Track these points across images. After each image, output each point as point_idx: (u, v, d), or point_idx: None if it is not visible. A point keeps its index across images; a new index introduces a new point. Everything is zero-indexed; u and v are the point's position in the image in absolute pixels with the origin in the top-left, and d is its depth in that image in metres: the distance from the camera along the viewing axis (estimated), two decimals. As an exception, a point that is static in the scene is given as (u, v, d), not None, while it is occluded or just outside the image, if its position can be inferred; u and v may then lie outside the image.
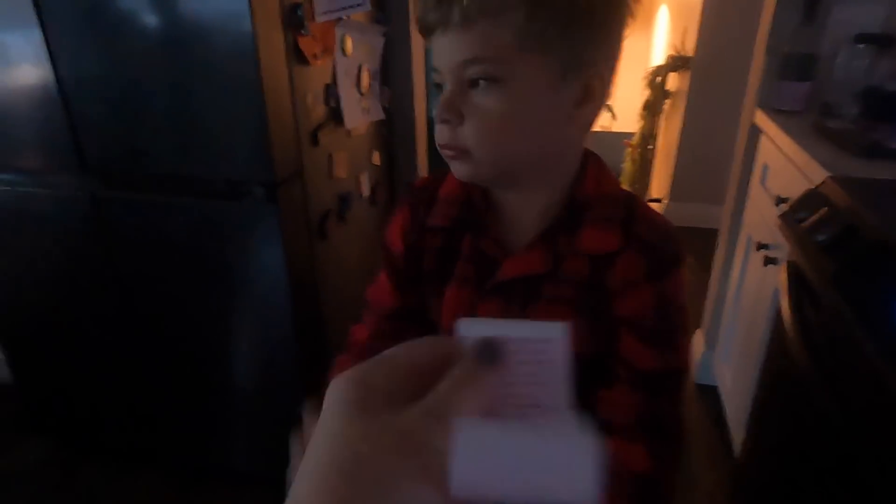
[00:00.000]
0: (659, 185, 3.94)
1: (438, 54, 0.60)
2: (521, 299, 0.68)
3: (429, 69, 0.65)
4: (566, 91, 0.59)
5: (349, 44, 1.54)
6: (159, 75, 1.25)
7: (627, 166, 4.06)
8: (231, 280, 1.43)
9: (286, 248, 1.36)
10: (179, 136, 1.30)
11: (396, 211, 0.79)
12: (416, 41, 1.84)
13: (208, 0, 1.16)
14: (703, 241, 2.64)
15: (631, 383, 0.66)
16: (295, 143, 1.37)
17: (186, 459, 1.80)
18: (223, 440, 1.69)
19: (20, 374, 1.80)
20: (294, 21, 1.30)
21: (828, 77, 1.67)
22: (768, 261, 1.49)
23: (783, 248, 1.37)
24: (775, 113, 1.69)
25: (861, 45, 1.61)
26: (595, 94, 0.61)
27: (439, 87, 0.62)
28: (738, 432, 1.63)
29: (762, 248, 1.55)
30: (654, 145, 3.92)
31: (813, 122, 1.51)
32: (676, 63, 3.52)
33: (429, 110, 2.07)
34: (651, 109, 3.79)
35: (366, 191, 1.80)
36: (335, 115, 1.55)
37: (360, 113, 1.66)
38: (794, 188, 1.33)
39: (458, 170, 0.64)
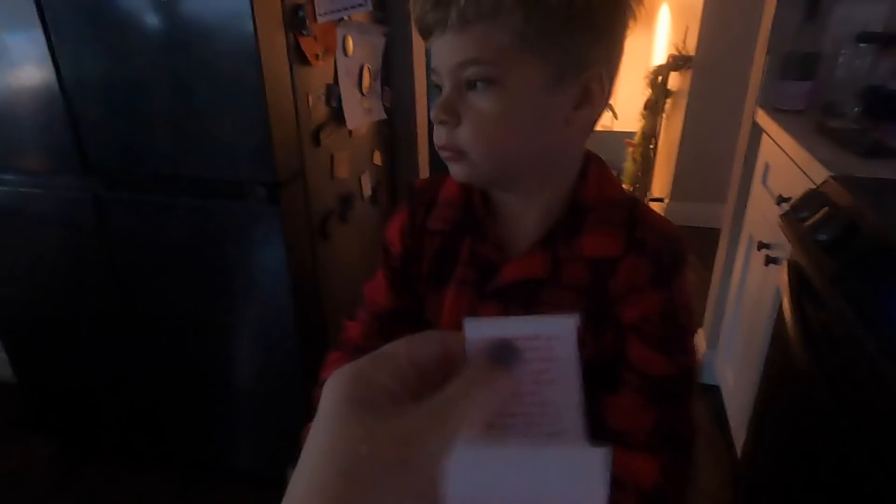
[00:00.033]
0: (660, 185, 3.94)
1: (436, 56, 0.60)
2: (521, 303, 0.67)
3: (430, 69, 0.64)
4: (564, 93, 0.59)
5: (350, 44, 1.54)
6: (161, 76, 1.25)
7: (629, 165, 4.05)
8: (233, 280, 1.44)
9: (288, 248, 1.36)
10: (181, 136, 1.30)
11: (396, 211, 0.79)
12: (418, 41, 1.84)
13: (210, 1, 1.16)
14: (704, 241, 2.64)
15: (641, 391, 0.65)
16: (296, 143, 1.37)
17: (188, 459, 1.80)
18: (225, 439, 1.70)
19: (22, 373, 1.81)
20: (295, 21, 1.30)
21: (829, 76, 1.67)
22: (770, 260, 1.49)
23: (785, 248, 1.37)
24: (777, 112, 1.69)
25: (863, 44, 1.61)
26: (594, 96, 0.60)
27: (438, 88, 0.62)
28: (739, 432, 1.63)
29: (763, 247, 1.55)
30: (655, 144, 3.91)
31: (814, 122, 1.51)
32: (678, 62, 3.51)
33: (430, 110, 2.07)
34: (652, 109, 3.78)
35: (367, 191, 1.80)
36: (336, 116, 1.55)
37: (361, 113, 1.66)
38: (796, 187, 1.33)
39: (456, 171, 0.64)
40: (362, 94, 1.66)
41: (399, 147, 2.01)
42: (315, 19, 1.37)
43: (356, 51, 1.58)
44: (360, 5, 1.45)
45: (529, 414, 0.29)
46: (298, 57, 1.33)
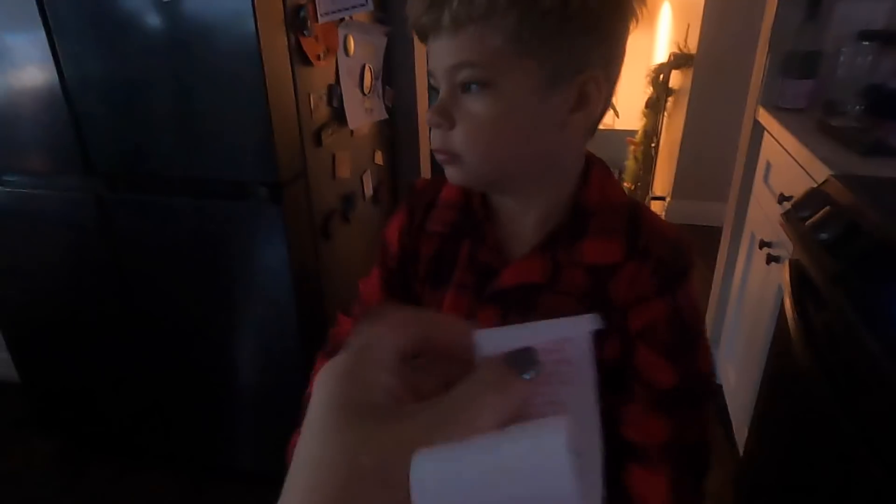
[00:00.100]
0: (662, 183, 3.94)
1: (432, 58, 0.60)
2: (519, 308, 0.67)
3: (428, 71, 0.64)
4: (559, 96, 0.58)
5: (352, 44, 1.54)
6: (163, 77, 1.25)
7: (630, 164, 4.05)
8: (235, 280, 1.44)
9: (290, 248, 1.36)
10: (183, 137, 1.30)
11: (397, 210, 0.79)
12: (419, 41, 1.84)
13: (212, 2, 1.16)
14: (706, 239, 2.64)
15: (652, 402, 0.64)
16: (298, 143, 1.38)
17: (191, 458, 1.80)
18: (227, 439, 1.70)
19: (27, 373, 1.82)
20: (297, 22, 1.31)
21: (831, 74, 1.67)
22: (771, 259, 1.49)
23: (786, 247, 1.37)
24: (778, 110, 1.69)
25: (865, 43, 1.61)
26: (590, 99, 0.59)
27: (436, 90, 0.62)
28: (741, 430, 1.63)
29: (765, 246, 1.55)
30: (656, 143, 3.91)
31: (816, 120, 1.51)
32: (679, 60, 3.51)
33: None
34: (654, 107, 3.78)
35: (369, 190, 1.81)
36: (338, 116, 1.55)
37: (363, 113, 1.67)
38: (798, 186, 1.33)
39: (451, 174, 0.64)
40: (364, 93, 1.66)
41: (401, 147, 2.01)
42: (316, 19, 1.37)
43: (357, 51, 1.58)
44: (362, 5, 1.45)
45: (542, 415, 0.27)
46: (300, 57, 1.33)
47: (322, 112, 1.47)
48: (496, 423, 0.24)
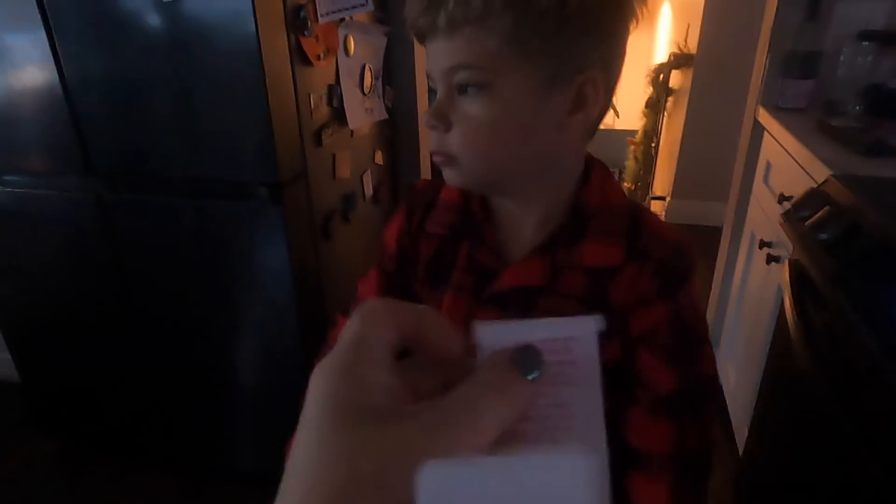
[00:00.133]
0: (662, 183, 3.94)
1: (429, 60, 0.60)
2: (518, 310, 0.66)
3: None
4: (556, 99, 0.58)
5: (352, 44, 1.55)
6: (164, 77, 1.25)
7: (630, 164, 4.05)
8: (235, 280, 1.44)
9: (290, 248, 1.36)
10: (184, 137, 1.31)
11: (397, 211, 0.78)
12: (417, 42, 1.84)
13: (212, 2, 1.16)
14: (706, 239, 2.64)
15: (653, 408, 0.63)
16: (299, 143, 1.38)
17: (193, 459, 1.80)
18: (228, 439, 1.70)
19: (27, 373, 1.82)
20: (297, 22, 1.31)
21: (831, 74, 1.67)
22: (771, 259, 1.49)
23: (786, 247, 1.37)
24: (778, 110, 1.69)
25: (865, 43, 1.61)
26: (588, 101, 0.59)
27: (435, 92, 0.61)
28: (741, 430, 1.63)
29: (765, 245, 1.55)
30: (657, 143, 3.91)
31: (816, 120, 1.51)
32: (679, 60, 3.51)
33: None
34: (654, 107, 3.78)
35: (369, 190, 1.81)
36: (338, 116, 1.55)
37: (363, 113, 1.67)
38: (798, 186, 1.33)
39: (449, 176, 0.63)
40: (364, 93, 1.66)
41: (401, 147, 2.01)
42: (317, 19, 1.37)
43: (358, 51, 1.58)
44: (362, 5, 1.45)
45: (545, 417, 0.26)
46: (300, 57, 1.34)
47: (322, 112, 1.47)
48: (499, 425, 0.23)
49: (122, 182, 1.41)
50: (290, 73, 1.31)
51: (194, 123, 1.28)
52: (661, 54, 4.08)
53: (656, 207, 3.80)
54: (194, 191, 1.36)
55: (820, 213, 1.05)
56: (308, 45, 1.34)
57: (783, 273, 1.15)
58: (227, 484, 1.75)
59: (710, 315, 2.19)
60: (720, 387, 1.98)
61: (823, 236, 1.00)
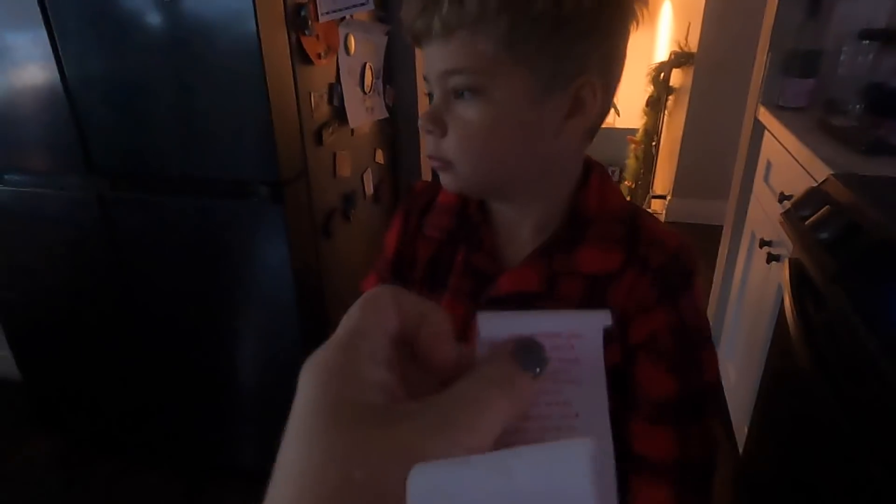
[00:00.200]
0: (662, 182, 3.94)
1: (425, 63, 0.59)
2: None
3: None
4: (553, 103, 0.57)
5: (352, 43, 1.55)
6: (164, 76, 1.25)
7: (631, 163, 4.05)
8: (236, 279, 1.44)
9: (291, 247, 1.36)
10: (185, 136, 1.31)
11: (395, 213, 0.78)
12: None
13: (213, 1, 1.16)
14: (706, 238, 2.64)
15: (654, 415, 0.63)
16: (299, 142, 1.38)
17: (194, 458, 1.81)
18: (230, 439, 1.71)
19: (29, 372, 1.82)
20: (297, 21, 1.31)
21: (831, 73, 1.67)
22: (771, 258, 1.49)
23: (786, 245, 1.37)
24: (779, 109, 1.69)
25: (865, 41, 1.61)
26: (586, 105, 0.58)
27: (431, 95, 0.61)
28: (741, 429, 1.63)
29: (765, 244, 1.55)
30: (657, 141, 3.91)
31: (816, 119, 1.51)
32: (680, 59, 3.51)
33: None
34: (654, 106, 3.78)
35: (370, 189, 1.81)
36: (339, 114, 1.55)
37: (363, 112, 1.67)
38: (798, 185, 1.33)
39: (446, 181, 0.63)
40: (364, 92, 1.66)
41: (401, 145, 2.01)
42: (317, 18, 1.37)
43: (358, 49, 1.58)
44: (362, 4, 1.45)
45: (546, 416, 0.25)
46: (301, 56, 1.34)
47: (323, 111, 1.47)
48: (500, 423, 0.22)
49: (123, 181, 1.41)
50: (291, 71, 1.31)
51: (195, 122, 1.29)
52: (662, 53, 4.07)
53: (657, 206, 3.80)
54: (195, 190, 1.36)
55: (820, 213, 1.05)
56: (308, 43, 1.35)
57: (783, 272, 1.15)
58: (228, 483, 1.76)
59: (710, 314, 2.19)
60: (722, 389, 1.98)
61: (823, 235, 1.00)
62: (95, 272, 1.54)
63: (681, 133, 3.44)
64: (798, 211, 1.14)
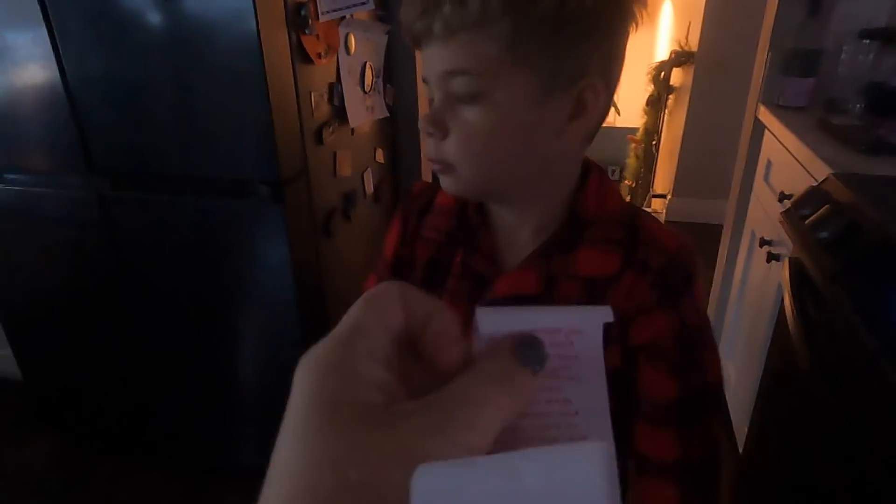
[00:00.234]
0: (663, 181, 3.94)
1: (425, 65, 0.58)
2: None
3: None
4: (555, 105, 0.57)
5: (353, 42, 1.55)
6: (165, 75, 1.25)
7: (631, 162, 4.05)
8: (237, 279, 1.44)
9: (291, 246, 1.36)
10: (185, 135, 1.31)
11: (394, 215, 0.78)
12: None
13: (213, 0, 1.16)
14: (706, 237, 2.64)
15: (658, 418, 0.63)
16: (299, 141, 1.38)
17: (194, 457, 1.81)
18: (231, 438, 1.71)
19: (29, 371, 1.82)
20: (298, 20, 1.31)
21: (832, 73, 1.67)
22: (772, 257, 1.49)
23: (787, 245, 1.37)
24: (779, 109, 1.69)
25: (865, 41, 1.61)
26: (588, 107, 0.57)
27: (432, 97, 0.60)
28: (741, 429, 1.63)
29: (765, 244, 1.55)
30: (657, 140, 3.91)
31: (817, 118, 1.51)
32: (680, 58, 3.51)
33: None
34: (655, 105, 3.78)
35: (370, 188, 1.81)
36: (339, 114, 1.55)
37: (364, 111, 1.67)
38: (798, 184, 1.33)
39: (446, 184, 0.62)
40: (365, 92, 1.66)
41: (401, 145, 2.01)
42: (317, 18, 1.37)
43: (358, 49, 1.58)
44: (363, 4, 1.45)
45: (546, 413, 0.25)
46: (301, 55, 1.34)
47: (323, 110, 1.47)
48: (500, 421, 0.22)
49: (124, 180, 1.41)
50: (291, 71, 1.31)
51: (195, 122, 1.29)
52: (662, 52, 4.07)
53: (657, 205, 3.80)
54: (195, 189, 1.36)
55: (820, 212, 1.05)
56: (309, 43, 1.35)
57: (783, 271, 1.15)
58: (229, 481, 1.76)
59: (710, 313, 2.19)
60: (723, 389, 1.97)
61: (823, 235, 1.00)
62: (96, 271, 1.54)
63: (681, 132, 3.44)
64: (798, 210, 1.14)
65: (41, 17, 1.25)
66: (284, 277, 1.40)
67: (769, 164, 1.69)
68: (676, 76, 3.67)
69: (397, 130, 1.98)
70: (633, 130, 4.05)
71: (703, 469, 0.65)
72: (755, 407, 1.42)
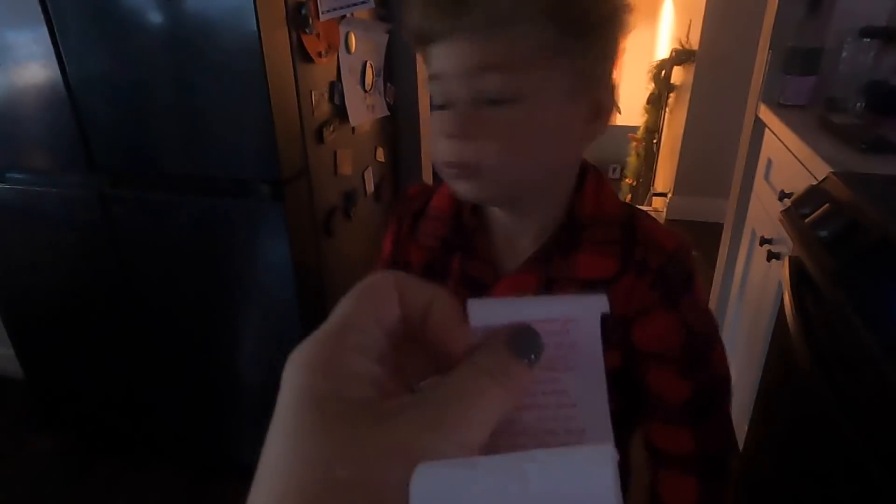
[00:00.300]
0: (663, 179, 3.94)
1: (444, 62, 0.55)
2: None
3: (431, 76, 0.59)
4: (577, 107, 0.56)
5: (353, 41, 1.55)
6: (166, 74, 1.26)
7: (632, 160, 4.05)
8: (238, 278, 1.45)
9: (292, 245, 1.37)
10: (186, 134, 1.31)
11: (389, 219, 0.77)
12: (419, 44, 1.84)
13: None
14: (707, 235, 2.64)
15: (671, 417, 0.64)
16: (300, 140, 1.38)
17: (196, 455, 1.82)
18: (232, 435, 1.71)
19: (31, 370, 1.83)
20: (298, 19, 1.31)
21: (832, 71, 1.67)
22: (772, 255, 1.49)
23: (787, 243, 1.37)
24: (779, 107, 1.69)
25: (866, 39, 1.60)
26: (604, 109, 0.58)
27: (438, 102, 0.58)
28: (741, 427, 1.63)
29: (766, 242, 1.55)
30: (658, 139, 3.91)
31: (817, 117, 1.51)
32: (681, 56, 3.51)
33: (432, 107, 2.07)
34: (655, 103, 3.78)
35: (371, 187, 1.81)
36: (340, 113, 1.55)
37: (364, 110, 1.67)
38: (798, 183, 1.33)
39: (465, 189, 0.59)
40: (365, 90, 1.66)
41: (402, 143, 2.01)
42: (318, 17, 1.37)
43: (359, 48, 1.58)
44: (363, 3, 1.45)
45: (543, 406, 0.24)
46: (301, 54, 1.34)
47: (323, 109, 1.48)
48: (496, 416, 0.21)
49: (125, 179, 1.41)
50: (292, 70, 1.31)
51: (196, 121, 1.29)
52: (663, 50, 4.07)
53: (658, 203, 3.80)
54: (196, 188, 1.36)
55: (820, 211, 1.05)
56: (309, 42, 1.35)
57: (783, 270, 1.15)
58: (230, 480, 1.76)
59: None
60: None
61: (823, 233, 1.00)
62: (96, 270, 1.54)
63: (682, 130, 3.44)
64: (798, 209, 1.14)
65: (42, 15, 1.25)
66: (285, 276, 1.40)
67: (769, 162, 1.69)
68: (677, 74, 3.67)
69: (398, 129, 1.98)
70: (634, 129, 4.05)
71: (719, 460, 0.66)
72: (755, 406, 1.42)
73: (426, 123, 2.03)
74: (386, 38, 1.76)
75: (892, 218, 0.91)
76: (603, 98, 0.58)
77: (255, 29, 1.16)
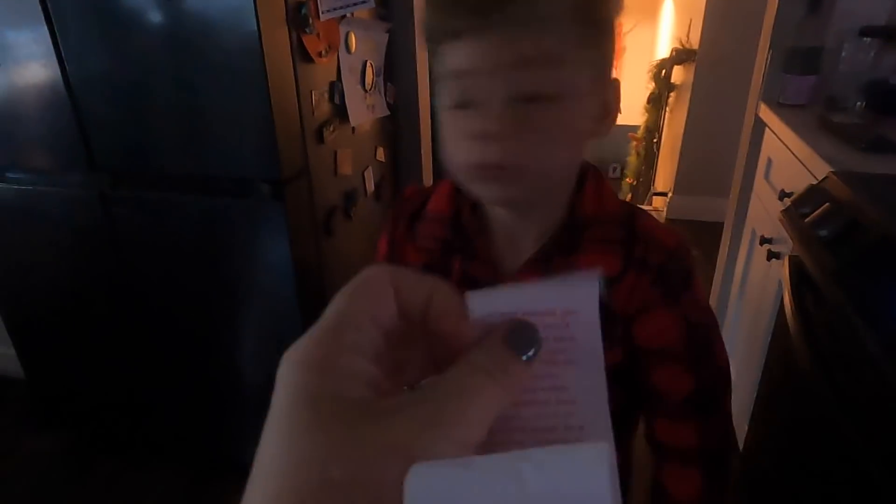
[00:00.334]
0: (664, 179, 3.94)
1: (472, 60, 0.52)
2: None
3: (447, 74, 0.56)
4: (594, 103, 0.56)
5: (353, 41, 1.55)
6: (166, 74, 1.26)
7: (632, 160, 4.05)
8: (238, 277, 1.45)
9: (292, 244, 1.37)
10: (186, 134, 1.31)
11: (385, 221, 0.76)
12: (421, 37, 1.84)
13: (214, -1, 1.17)
14: (707, 235, 2.64)
15: (675, 412, 0.65)
16: (300, 140, 1.38)
17: (198, 454, 1.82)
18: (233, 435, 1.71)
19: (31, 369, 1.83)
20: (298, 19, 1.31)
21: (832, 70, 1.67)
22: (772, 255, 1.49)
23: (787, 243, 1.37)
24: (779, 106, 1.68)
25: (866, 38, 1.60)
26: (613, 105, 0.58)
27: (458, 101, 0.55)
28: (741, 426, 1.63)
29: (766, 242, 1.55)
30: (658, 138, 3.91)
31: (817, 116, 1.50)
32: (681, 56, 3.51)
33: (432, 106, 2.07)
34: (656, 102, 3.78)
35: (371, 187, 1.81)
36: (340, 112, 1.55)
37: (364, 110, 1.67)
38: (798, 182, 1.33)
39: (497, 192, 0.57)
40: (365, 90, 1.66)
41: (402, 143, 2.01)
42: (318, 17, 1.37)
43: (359, 47, 1.58)
44: (363, 2, 1.45)
45: (542, 402, 0.24)
46: (301, 54, 1.34)
47: (324, 109, 1.48)
48: (494, 414, 0.21)
49: (125, 179, 1.41)
50: (292, 70, 1.31)
51: (196, 120, 1.29)
52: (664, 49, 4.07)
53: (658, 203, 3.80)
54: (196, 188, 1.36)
55: (820, 210, 1.05)
56: (309, 42, 1.35)
57: (783, 269, 1.15)
58: (230, 480, 1.76)
59: (711, 311, 2.19)
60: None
61: (823, 233, 1.00)
62: (97, 270, 1.54)
63: (682, 130, 3.44)
64: (798, 208, 1.14)
65: (42, 15, 1.25)
66: (285, 276, 1.40)
67: (770, 161, 1.69)
68: (677, 74, 3.66)
69: (398, 129, 1.98)
70: (634, 128, 4.05)
71: (721, 455, 0.68)
72: (755, 405, 1.42)
73: (426, 123, 2.03)
74: (386, 37, 1.76)
75: (892, 218, 0.91)
76: (611, 95, 0.58)
77: (256, 29, 1.16)
